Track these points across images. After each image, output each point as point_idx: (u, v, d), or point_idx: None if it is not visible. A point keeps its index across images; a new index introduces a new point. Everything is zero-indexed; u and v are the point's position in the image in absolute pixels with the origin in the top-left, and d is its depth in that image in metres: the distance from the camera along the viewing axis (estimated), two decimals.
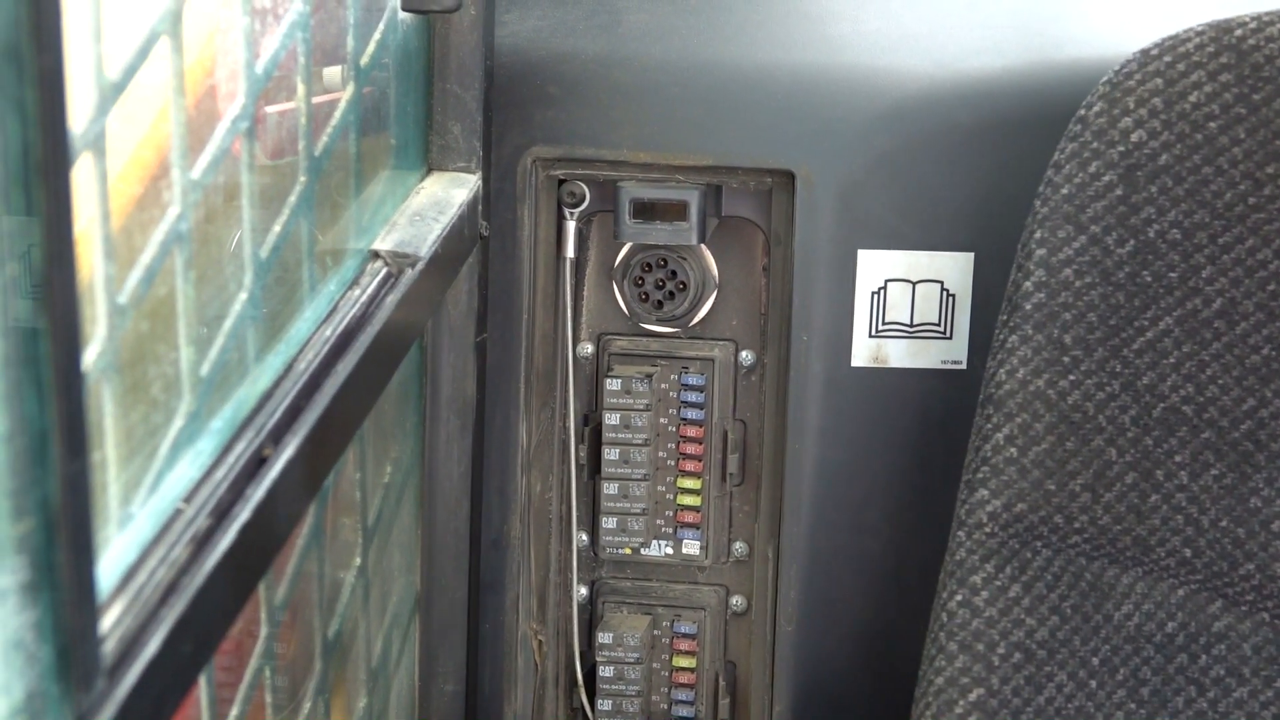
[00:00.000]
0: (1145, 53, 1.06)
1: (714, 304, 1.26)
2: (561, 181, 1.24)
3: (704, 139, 1.21)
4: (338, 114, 0.94)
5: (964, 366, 1.23)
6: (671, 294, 1.25)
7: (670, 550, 1.29)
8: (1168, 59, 1.05)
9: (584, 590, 1.31)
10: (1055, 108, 1.16)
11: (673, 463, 1.28)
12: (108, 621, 0.62)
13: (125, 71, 0.64)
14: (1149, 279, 1.05)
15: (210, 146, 0.74)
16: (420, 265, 1.00)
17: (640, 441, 1.26)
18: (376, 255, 1.00)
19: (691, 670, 1.30)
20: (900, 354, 1.23)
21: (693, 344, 1.27)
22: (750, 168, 1.21)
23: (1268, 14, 1.05)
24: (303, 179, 0.88)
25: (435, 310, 1.15)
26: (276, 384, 0.82)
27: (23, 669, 0.55)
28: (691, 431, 1.27)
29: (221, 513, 0.71)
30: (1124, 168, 1.05)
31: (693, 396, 1.27)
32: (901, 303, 1.22)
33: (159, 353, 0.70)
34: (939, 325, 1.22)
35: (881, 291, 1.22)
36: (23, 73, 0.50)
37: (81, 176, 0.59)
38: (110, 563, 0.64)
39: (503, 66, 1.20)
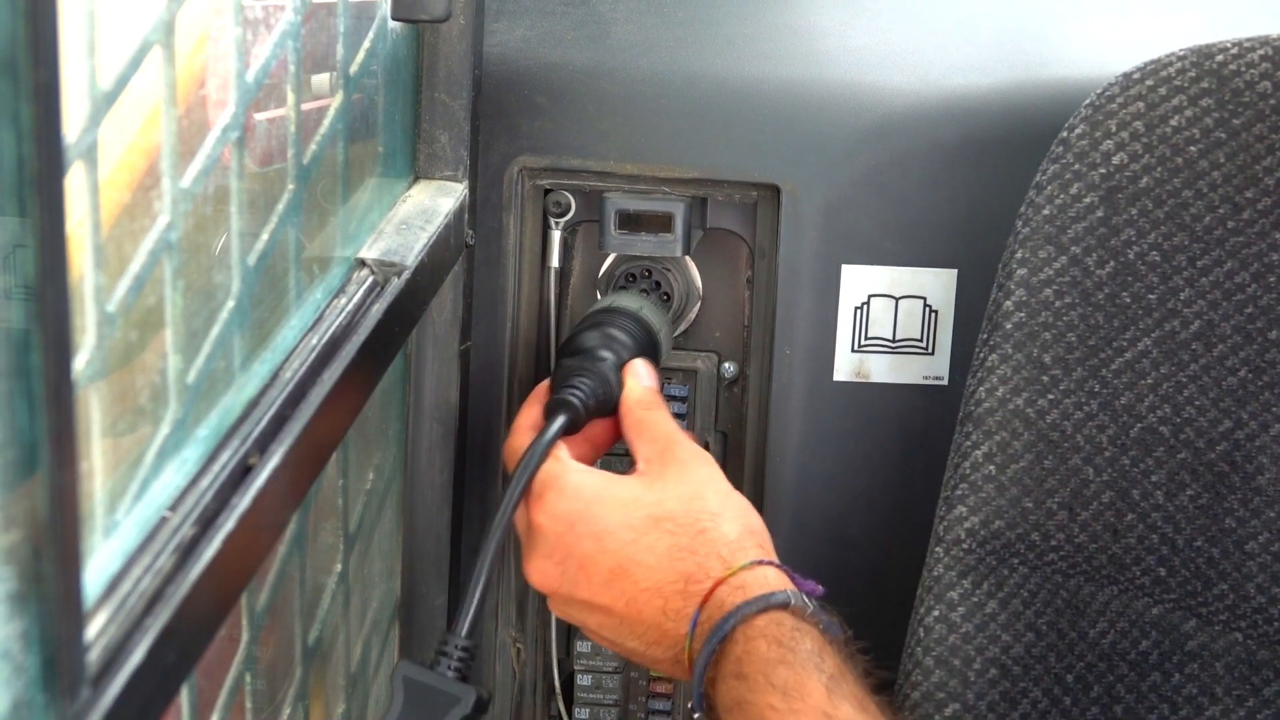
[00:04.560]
0: (1127, 76, 1.07)
1: (697, 315, 1.27)
2: (547, 191, 1.24)
3: (690, 151, 1.21)
4: (326, 122, 0.94)
5: (945, 382, 1.23)
6: None
7: None
8: (1149, 83, 1.06)
9: None
10: (1039, 126, 1.17)
11: None
12: (93, 630, 0.62)
13: (117, 81, 0.64)
14: (1128, 300, 1.06)
15: (200, 155, 0.74)
16: (406, 274, 1.00)
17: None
18: (363, 263, 1.00)
19: (669, 680, 1.31)
20: (882, 369, 1.23)
21: (676, 355, 1.27)
22: (736, 181, 1.21)
23: (1248, 40, 1.06)
24: (291, 186, 0.88)
25: (420, 318, 1.15)
26: (262, 392, 0.82)
27: (10, 678, 0.55)
28: None
29: (206, 521, 0.71)
30: (1105, 190, 1.05)
31: (675, 407, 1.27)
32: (884, 318, 1.22)
33: (146, 361, 0.70)
34: (921, 341, 1.23)
35: (865, 306, 1.22)
36: (18, 87, 0.50)
37: (72, 186, 0.59)
38: (95, 571, 0.64)
39: (490, 76, 1.20)
